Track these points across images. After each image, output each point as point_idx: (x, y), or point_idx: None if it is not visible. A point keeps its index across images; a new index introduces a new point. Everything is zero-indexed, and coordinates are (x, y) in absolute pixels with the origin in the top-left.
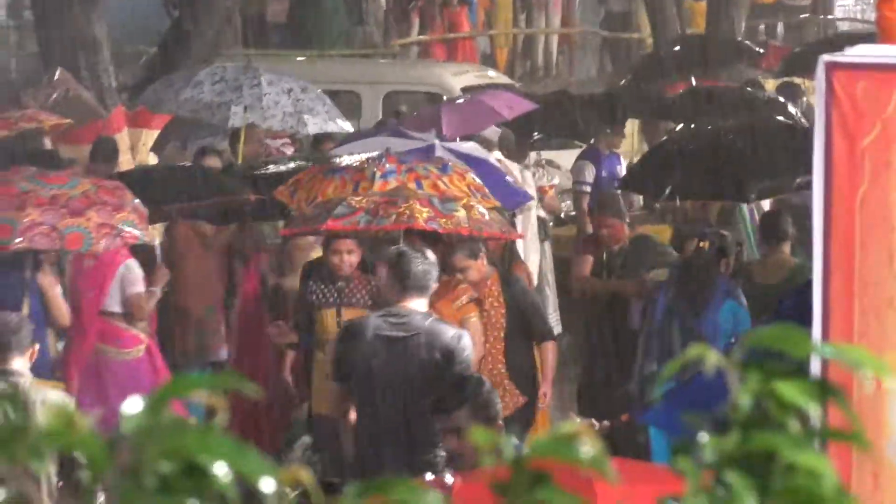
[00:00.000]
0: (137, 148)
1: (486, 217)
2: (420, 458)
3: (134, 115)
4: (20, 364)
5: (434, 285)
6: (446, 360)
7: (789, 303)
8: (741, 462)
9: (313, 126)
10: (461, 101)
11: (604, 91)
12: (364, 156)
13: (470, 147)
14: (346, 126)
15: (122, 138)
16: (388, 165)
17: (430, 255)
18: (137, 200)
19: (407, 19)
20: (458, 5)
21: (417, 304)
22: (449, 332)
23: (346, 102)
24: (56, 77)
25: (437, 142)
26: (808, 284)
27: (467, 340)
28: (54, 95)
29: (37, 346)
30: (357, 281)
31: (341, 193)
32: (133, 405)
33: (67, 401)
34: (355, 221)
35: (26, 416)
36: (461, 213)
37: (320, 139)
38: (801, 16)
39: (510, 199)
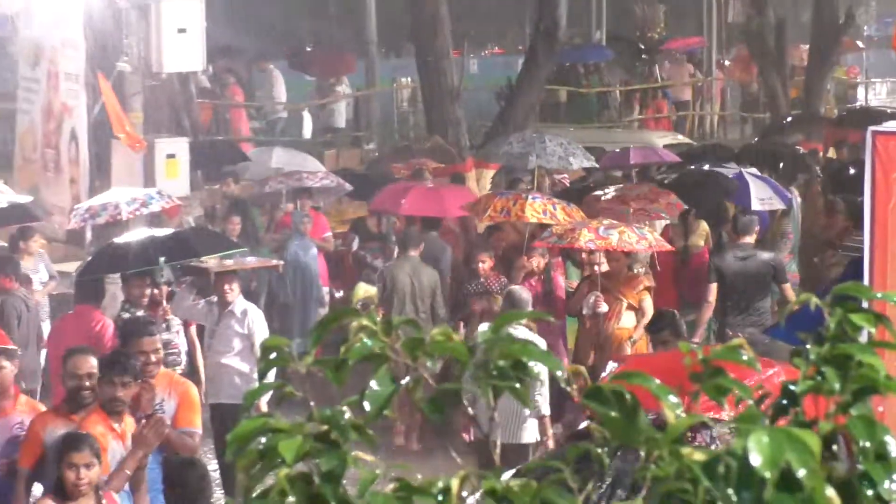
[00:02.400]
0: (481, 182)
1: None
2: None
3: (478, 161)
4: None
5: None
6: None
7: (849, 270)
8: (830, 360)
9: (576, 164)
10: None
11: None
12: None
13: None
14: (593, 163)
15: (471, 175)
16: (536, 194)
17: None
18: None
19: (631, 105)
20: (662, 98)
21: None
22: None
23: (597, 153)
24: (433, 140)
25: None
26: (860, 260)
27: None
28: (431, 146)
29: None
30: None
31: (505, 206)
32: (483, 327)
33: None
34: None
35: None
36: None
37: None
38: None
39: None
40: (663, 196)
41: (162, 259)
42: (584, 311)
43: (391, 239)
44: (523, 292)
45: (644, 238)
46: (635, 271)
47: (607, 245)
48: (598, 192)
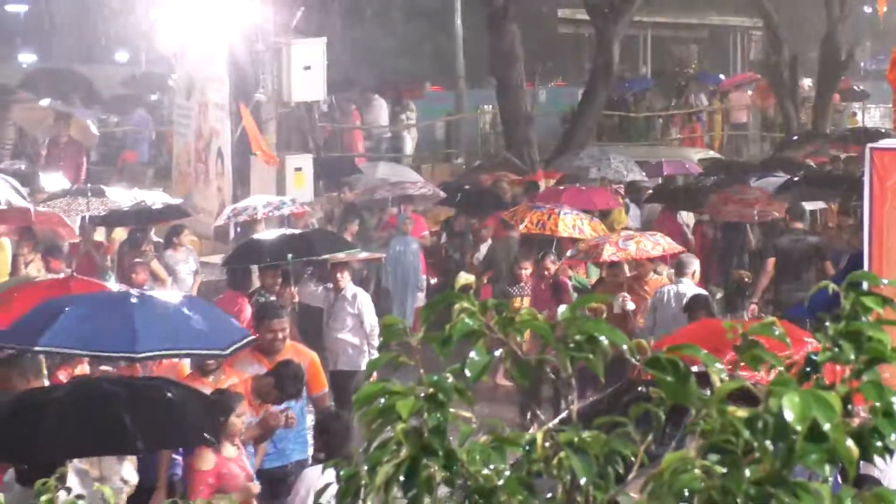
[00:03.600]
0: None
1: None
2: None
3: (546, 172)
4: None
5: None
6: None
7: (854, 260)
8: (846, 335)
9: (629, 175)
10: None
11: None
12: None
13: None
14: (643, 177)
15: (542, 183)
16: (567, 209)
17: None
18: None
19: (668, 127)
20: (696, 121)
21: None
22: None
23: (643, 166)
24: (505, 154)
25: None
26: (861, 253)
27: None
28: (509, 161)
29: None
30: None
31: (540, 219)
32: (562, 309)
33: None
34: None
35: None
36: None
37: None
38: None
39: None
40: (777, 202)
41: (290, 255)
42: (615, 310)
43: (468, 237)
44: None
45: (658, 244)
46: (659, 273)
47: (627, 255)
48: (729, 190)
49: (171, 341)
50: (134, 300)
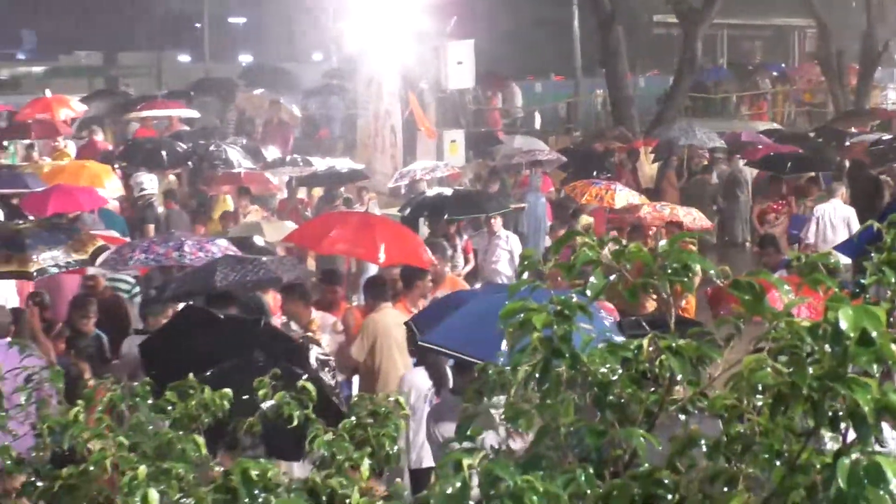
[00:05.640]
0: (646, 155)
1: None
2: None
3: (644, 140)
4: None
5: None
6: None
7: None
8: (888, 263)
9: (710, 143)
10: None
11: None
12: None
13: None
14: (722, 143)
15: (642, 150)
16: (621, 186)
17: None
18: None
19: (740, 105)
20: (762, 100)
21: None
22: None
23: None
24: (619, 129)
25: None
26: None
27: None
28: (616, 133)
29: None
30: None
31: (598, 193)
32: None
33: None
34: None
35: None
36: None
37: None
38: None
39: None
40: None
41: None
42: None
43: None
44: None
45: (689, 213)
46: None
47: (661, 217)
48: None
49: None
50: None
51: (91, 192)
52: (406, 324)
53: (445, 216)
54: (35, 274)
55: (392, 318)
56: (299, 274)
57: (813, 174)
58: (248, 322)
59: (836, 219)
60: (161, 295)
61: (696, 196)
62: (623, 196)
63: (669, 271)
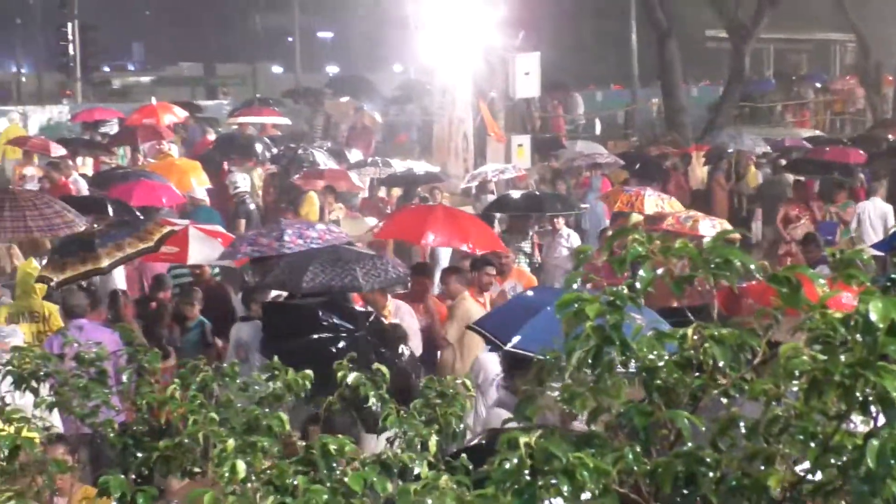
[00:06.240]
0: (698, 159)
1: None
2: None
3: (696, 146)
4: None
5: None
6: None
7: None
8: None
9: (758, 148)
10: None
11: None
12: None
13: None
14: (768, 149)
15: (695, 154)
16: (649, 190)
17: None
18: None
19: (784, 114)
20: (805, 109)
21: None
22: None
23: (767, 142)
24: (672, 136)
25: None
26: None
27: None
28: (670, 139)
29: None
30: None
31: (629, 200)
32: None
33: None
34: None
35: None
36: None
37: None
38: None
39: None
40: None
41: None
42: None
43: None
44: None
45: (714, 226)
46: None
47: (683, 229)
48: None
49: None
50: None
51: (170, 189)
52: (469, 328)
53: (530, 214)
54: (107, 268)
55: (473, 304)
56: (382, 284)
57: (842, 178)
58: (361, 314)
59: (874, 216)
60: (261, 284)
61: (773, 195)
62: (652, 202)
63: (713, 266)
